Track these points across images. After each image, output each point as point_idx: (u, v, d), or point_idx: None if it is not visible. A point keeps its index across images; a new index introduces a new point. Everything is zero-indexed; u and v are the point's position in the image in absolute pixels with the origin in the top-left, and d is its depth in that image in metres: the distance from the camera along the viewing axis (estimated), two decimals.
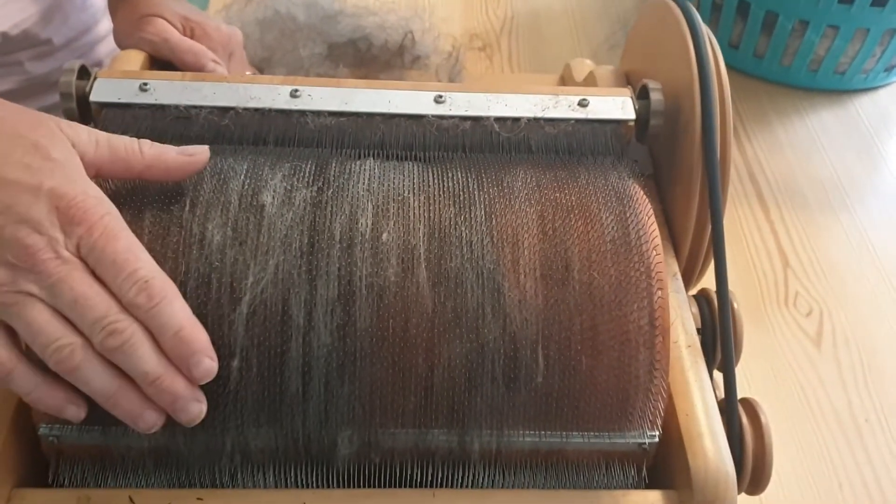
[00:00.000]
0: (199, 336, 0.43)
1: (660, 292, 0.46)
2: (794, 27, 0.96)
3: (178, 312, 0.42)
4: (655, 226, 0.48)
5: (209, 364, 0.42)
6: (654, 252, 0.47)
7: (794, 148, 0.95)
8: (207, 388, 0.44)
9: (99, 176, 0.46)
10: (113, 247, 0.42)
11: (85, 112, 0.54)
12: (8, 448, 0.45)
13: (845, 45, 0.96)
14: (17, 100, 0.88)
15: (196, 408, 0.43)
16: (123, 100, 0.54)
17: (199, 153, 0.48)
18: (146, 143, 0.47)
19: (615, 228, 0.48)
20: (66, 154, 0.44)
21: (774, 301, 0.78)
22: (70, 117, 0.54)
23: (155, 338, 0.42)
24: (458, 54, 0.80)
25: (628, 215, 0.48)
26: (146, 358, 0.42)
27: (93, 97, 0.54)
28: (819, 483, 0.65)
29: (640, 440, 0.48)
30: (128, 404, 0.42)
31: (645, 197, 0.50)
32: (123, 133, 0.52)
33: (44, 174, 0.43)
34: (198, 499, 0.45)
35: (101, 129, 0.52)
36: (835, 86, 1.02)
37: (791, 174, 0.91)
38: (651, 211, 0.49)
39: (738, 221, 0.86)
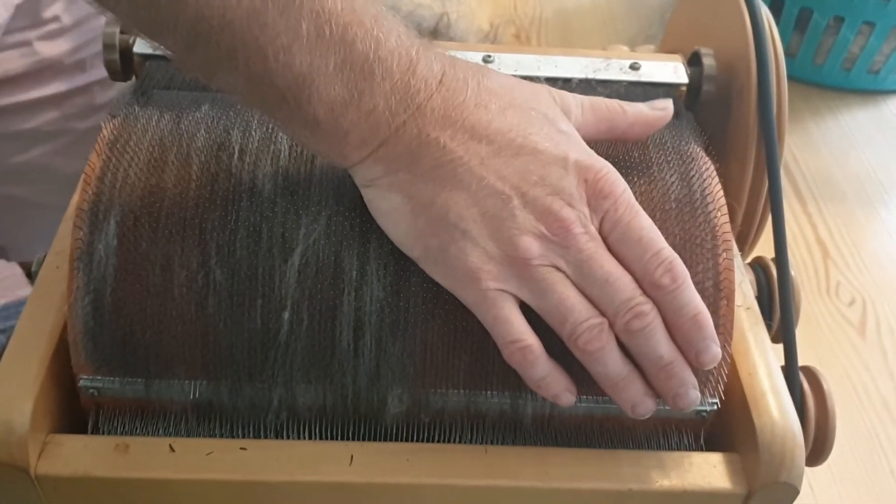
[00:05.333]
0: (711, 322, 0.42)
1: (725, 254, 0.45)
2: (829, 24, 0.95)
3: (696, 296, 0.42)
4: (719, 186, 0.47)
5: (716, 350, 0.42)
6: (719, 212, 0.46)
7: (828, 145, 0.94)
8: (256, 341, 0.43)
9: (584, 139, 0.45)
10: (638, 223, 0.42)
11: (127, 64, 0.53)
12: (44, 394, 0.43)
13: (880, 43, 0.95)
14: (27, 84, 0.88)
15: (695, 395, 0.42)
16: None
17: (668, 106, 0.48)
18: (623, 102, 0.47)
19: (679, 188, 0.46)
20: (570, 126, 0.44)
21: (816, 290, 0.76)
22: (112, 69, 0.53)
23: (668, 320, 0.41)
24: (496, 33, 0.79)
25: (692, 174, 0.47)
26: (664, 342, 0.41)
27: (137, 48, 0.53)
28: (869, 469, 0.63)
29: (699, 408, 0.46)
30: (632, 390, 0.42)
31: (706, 156, 0.48)
32: (166, 85, 0.51)
33: (564, 146, 0.42)
34: (241, 448, 0.43)
35: (143, 81, 0.52)
36: (868, 86, 1.01)
37: (827, 170, 0.90)
38: (714, 171, 0.48)
39: None
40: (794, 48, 0.99)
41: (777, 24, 0.93)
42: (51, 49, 0.88)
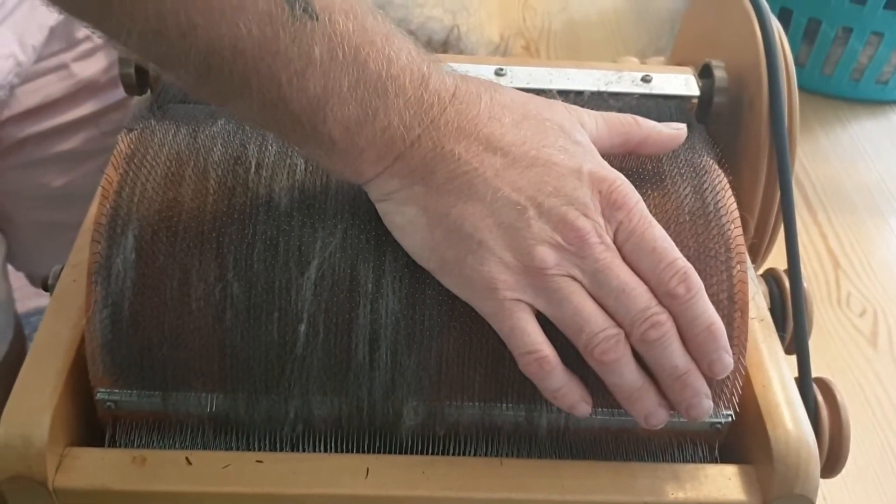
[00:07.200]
0: (725, 333, 0.42)
1: (739, 266, 0.45)
2: (838, 34, 0.95)
3: (710, 306, 0.42)
4: (733, 198, 0.47)
5: (729, 361, 0.42)
6: (733, 225, 0.46)
7: (838, 155, 0.94)
8: (273, 354, 0.43)
9: (599, 152, 0.45)
10: (652, 233, 0.42)
11: (143, 78, 0.54)
12: (62, 407, 0.43)
13: (889, 53, 0.95)
14: (66, 106, 0.88)
15: (708, 405, 0.42)
16: None
17: (683, 128, 0.48)
18: (636, 116, 0.47)
19: (692, 200, 0.46)
20: (585, 137, 0.44)
21: (827, 301, 0.76)
22: (127, 83, 0.53)
23: (682, 330, 0.42)
24: (506, 45, 0.79)
25: (705, 187, 0.47)
26: (679, 352, 0.41)
27: None
28: (883, 479, 0.63)
29: (714, 419, 0.46)
30: (647, 401, 0.42)
31: (719, 169, 0.49)
32: (182, 99, 0.52)
33: (579, 157, 0.43)
34: (257, 461, 0.44)
35: (159, 95, 0.52)
36: (877, 96, 1.01)
37: (837, 180, 0.90)
38: (727, 183, 0.48)
39: None
40: (802, 59, 0.99)
41: (786, 35, 0.93)
42: (86, 69, 0.88)
